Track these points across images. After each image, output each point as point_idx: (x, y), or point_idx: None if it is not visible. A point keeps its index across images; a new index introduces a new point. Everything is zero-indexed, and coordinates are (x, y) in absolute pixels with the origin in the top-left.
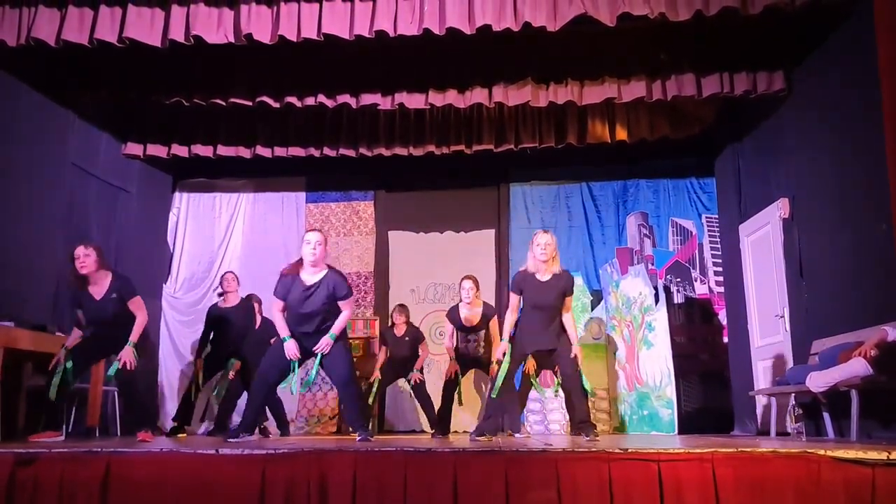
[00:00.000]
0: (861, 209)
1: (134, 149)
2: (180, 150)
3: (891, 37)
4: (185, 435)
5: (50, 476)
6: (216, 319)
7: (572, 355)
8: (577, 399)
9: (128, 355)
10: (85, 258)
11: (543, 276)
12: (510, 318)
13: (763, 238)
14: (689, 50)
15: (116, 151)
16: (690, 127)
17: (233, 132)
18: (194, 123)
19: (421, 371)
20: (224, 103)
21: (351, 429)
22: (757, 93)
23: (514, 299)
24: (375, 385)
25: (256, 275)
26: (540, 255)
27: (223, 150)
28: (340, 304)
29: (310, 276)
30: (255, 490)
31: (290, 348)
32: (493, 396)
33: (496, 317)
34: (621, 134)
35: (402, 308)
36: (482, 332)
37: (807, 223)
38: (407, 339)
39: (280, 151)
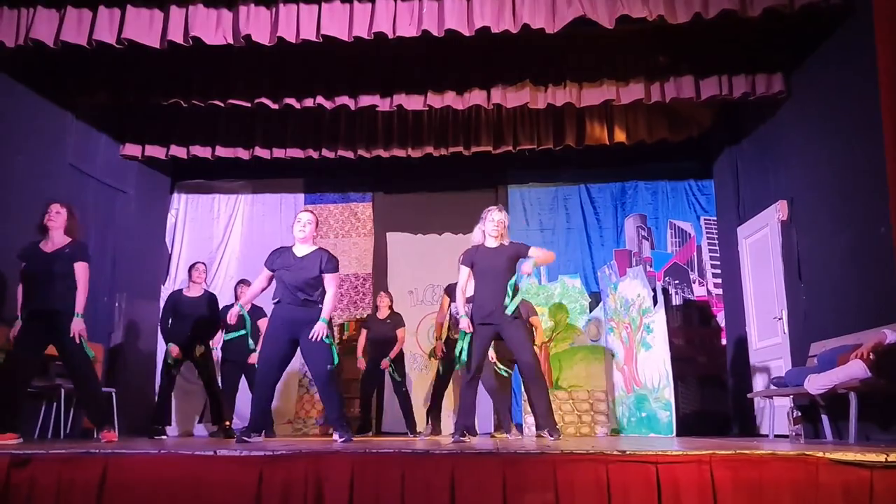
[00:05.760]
0: (859, 212)
1: (132, 150)
2: (179, 152)
3: (890, 39)
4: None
5: (46, 478)
6: (178, 306)
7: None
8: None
9: (78, 325)
10: (56, 215)
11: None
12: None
13: (761, 240)
14: (688, 52)
15: (114, 152)
16: (689, 129)
17: (231, 133)
18: (193, 125)
19: (393, 361)
20: (222, 104)
21: (331, 429)
22: (756, 95)
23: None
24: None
25: (254, 276)
26: (492, 232)
27: (221, 152)
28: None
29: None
30: (251, 491)
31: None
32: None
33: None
34: (620, 136)
35: (387, 293)
36: None
37: (805, 225)
38: (389, 322)
39: (278, 153)
